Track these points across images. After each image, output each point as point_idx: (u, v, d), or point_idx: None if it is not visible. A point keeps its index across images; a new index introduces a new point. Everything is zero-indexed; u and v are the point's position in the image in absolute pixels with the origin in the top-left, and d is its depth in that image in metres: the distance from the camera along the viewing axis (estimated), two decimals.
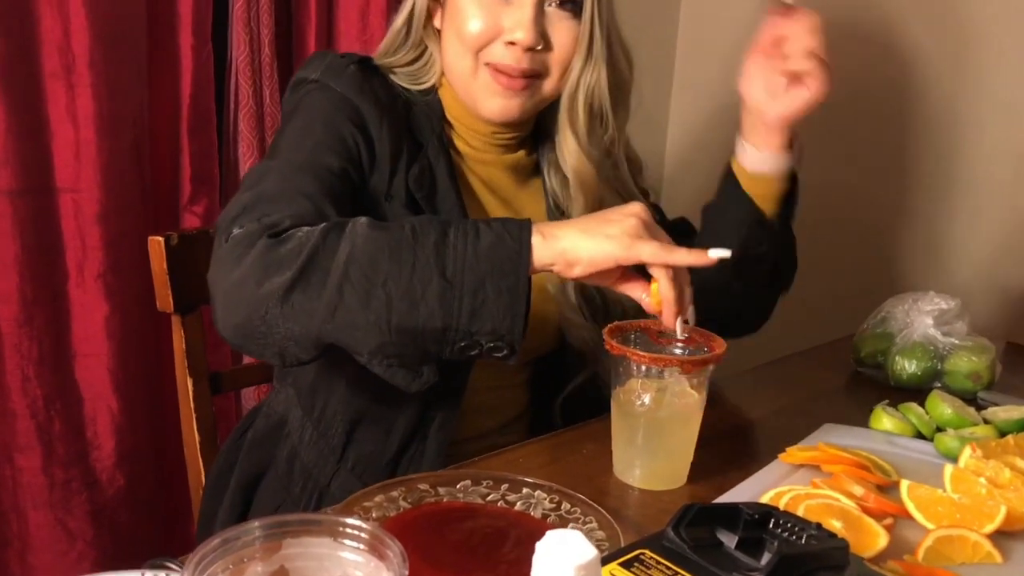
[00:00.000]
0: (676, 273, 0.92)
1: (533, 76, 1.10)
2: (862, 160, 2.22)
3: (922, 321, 1.31)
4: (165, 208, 1.62)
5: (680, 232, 1.22)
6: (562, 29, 1.10)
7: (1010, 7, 1.91)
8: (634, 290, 0.95)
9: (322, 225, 0.89)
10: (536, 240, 0.88)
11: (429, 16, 1.15)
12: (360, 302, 0.86)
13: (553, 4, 1.09)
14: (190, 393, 1.24)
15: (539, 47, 1.08)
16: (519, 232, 0.89)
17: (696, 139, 2.52)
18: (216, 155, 1.66)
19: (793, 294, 2.33)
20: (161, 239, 1.20)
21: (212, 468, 1.21)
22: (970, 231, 2.07)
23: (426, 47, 1.16)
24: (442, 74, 1.15)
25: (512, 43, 1.07)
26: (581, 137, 1.14)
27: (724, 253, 0.92)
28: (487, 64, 1.09)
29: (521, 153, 1.19)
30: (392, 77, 1.15)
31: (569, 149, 1.15)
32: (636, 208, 0.92)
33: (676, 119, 2.55)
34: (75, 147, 1.46)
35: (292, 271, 0.86)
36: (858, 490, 0.93)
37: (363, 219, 0.90)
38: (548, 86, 1.12)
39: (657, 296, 0.93)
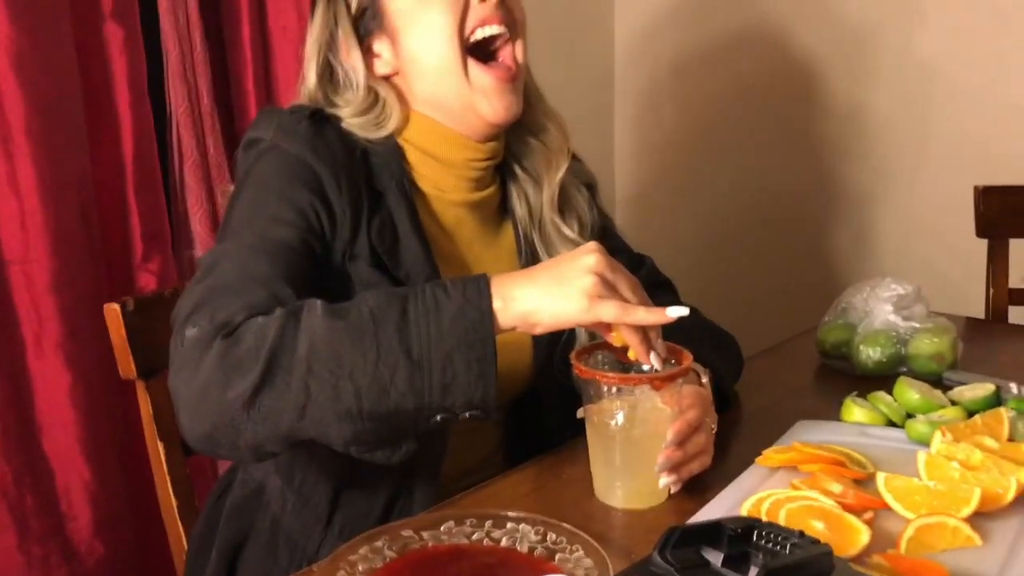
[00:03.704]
0: None
1: (515, 64, 1.11)
2: (801, 164, 2.28)
3: (881, 308, 1.32)
4: (119, 269, 1.61)
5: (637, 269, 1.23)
6: None
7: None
8: (596, 328, 0.95)
9: (276, 314, 0.86)
10: (497, 305, 0.88)
11: (368, 69, 1.12)
12: (328, 397, 0.84)
13: None
14: (163, 458, 1.22)
15: None
16: (479, 299, 0.87)
17: (646, 152, 2.54)
18: (165, 210, 1.65)
19: (751, 294, 2.38)
20: (117, 306, 1.18)
21: (193, 534, 1.19)
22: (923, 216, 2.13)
23: (377, 94, 1.11)
24: (406, 116, 1.12)
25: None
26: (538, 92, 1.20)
27: (682, 311, 0.91)
28: (474, 60, 1.08)
29: (491, 190, 1.17)
30: (346, 126, 1.10)
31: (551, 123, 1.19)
32: (592, 261, 0.89)
33: (620, 125, 2.58)
34: (20, 218, 1.45)
35: (255, 374, 0.83)
36: (836, 487, 0.93)
37: (318, 304, 0.87)
38: (523, 63, 1.13)
39: (621, 338, 0.94)
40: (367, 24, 1.12)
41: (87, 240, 1.52)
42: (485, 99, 1.09)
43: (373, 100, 1.11)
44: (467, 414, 0.88)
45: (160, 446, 1.22)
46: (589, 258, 0.90)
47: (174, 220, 1.68)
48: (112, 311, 1.18)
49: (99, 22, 1.54)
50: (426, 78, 1.10)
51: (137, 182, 1.59)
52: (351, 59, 1.11)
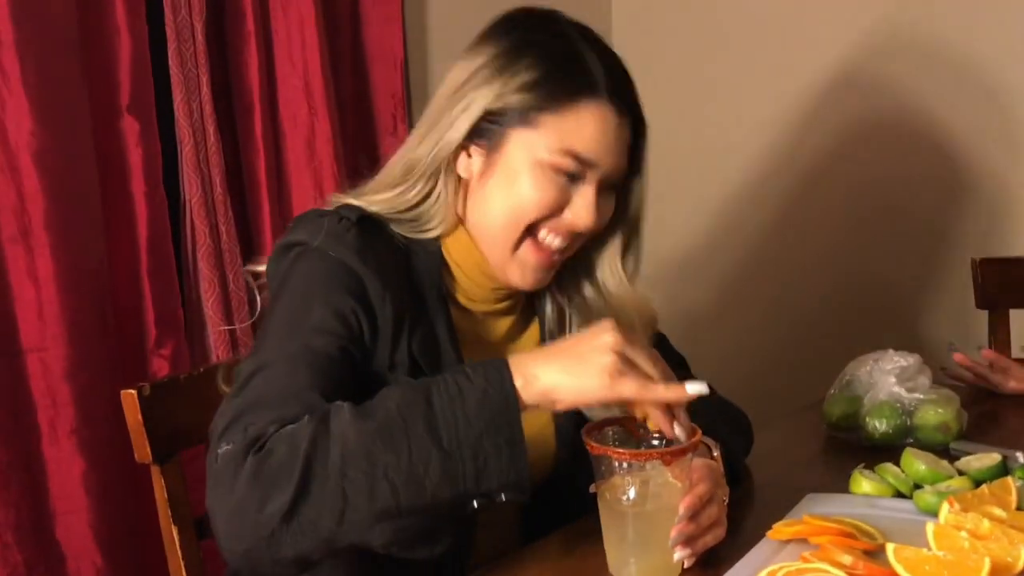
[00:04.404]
0: None
1: (560, 255, 1.11)
2: (804, 239, 2.31)
3: (886, 380, 1.34)
4: (132, 355, 1.63)
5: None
6: (606, 205, 1.10)
7: None
8: (619, 404, 0.96)
9: (304, 422, 0.86)
10: (519, 383, 0.88)
11: (450, 159, 1.08)
12: (365, 499, 0.84)
13: (606, 185, 1.09)
14: (176, 542, 1.22)
15: None
16: (501, 381, 0.88)
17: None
18: (178, 296, 1.68)
19: (757, 367, 2.38)
20: (134, 392, 1.19)
21: None
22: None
23: (433, 189, 1.09)
24: (454, 223, 1.10)
25: (571, 223, 1.07)
26: (623, 282, 1.16)
27: (702, 389, 0.93)
28: (531, 238, 1.08)
29: (517, 297, 1.18)
30: (392, 226, 1.09)
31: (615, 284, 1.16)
32: (609, 339, 0.90)
33: None
34: (37, 306, 1.47)
35: (292, 487, 0.83)
36: (847, 559, 0.94)
37: (345, 407, 0.88)
38: (578, 244, 1.12)
39: (643, 412, 0.96)
40: (483, 130, 1.07)
41: (102, 327, 1.54)
42: (519, 270, 1.09)
43: (428, 193, 1.09)
44: (503, 497, 0.89)
45: (174, 530, 1.22)
46: (607, 336, 0.91)
47: (187, 306, 1.70)
48: (129, 396, 1.20)
49: (116, 116, 1.59)
50: (480, 220, 1.09)
51: (151, 269, 1.63)
52: (455, 130, 1.06)
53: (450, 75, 1.10)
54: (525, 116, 1.05)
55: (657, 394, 0.91)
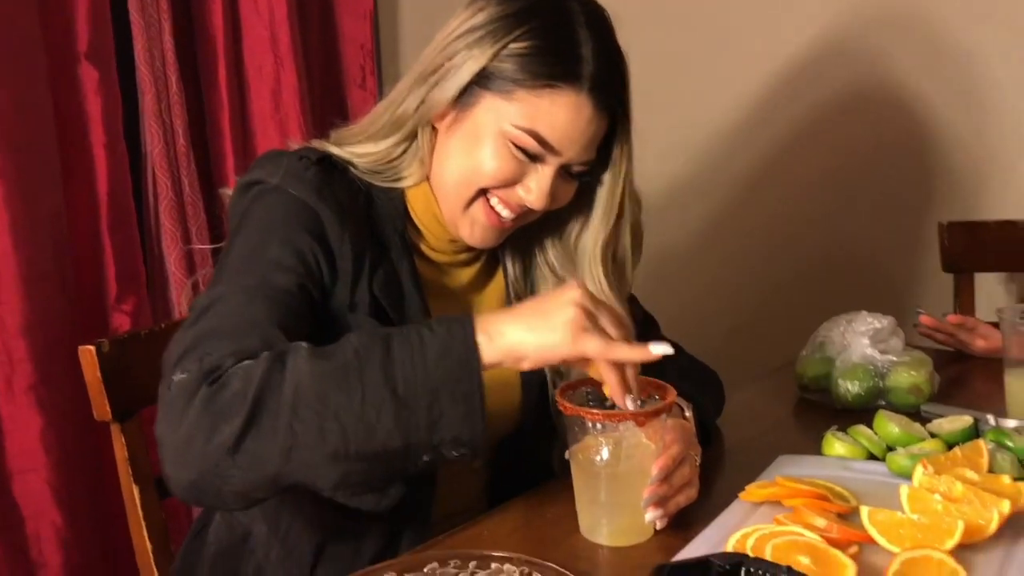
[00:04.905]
0: None
1: (511, 224, 1.08)
2: (781, 200, 2.30)
3: (859, 342, 1.33)
4: (92, 310, 1.59)
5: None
6: (565, 190, 1.08)
7: None
8: (578, 364, 0.94)
9: (262, 358, 0.85)
10: (482, 339, 0.87)
11: (434, 117, 1.06)
12: (315, 438, 0.83)
13: (568, 171, 1.06)
14: (137, 501, 1.19)
15: None
16: (464, 335, 0.87)
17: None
18: (140, 251, 1.64)
19: (731, 326, 2.37)
20: (92, 348, 1.16)
21: (171, 573, 1.17)
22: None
23: (412, 143, 1.08)
24: (423, 176, 1.08)
25: (522, 199, 1.05)
26: (604, 288, 1.13)
27: (666, 349, 0.91)
28: (484, 198, 1.06)
29: (483, 254, 1.17)
30: (353, 170, 1.07)
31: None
32: (575, 295, 0.89)
33: None
34: None
35: (240, 418, 0.82)
36: (820, 522, 0.94)
37: (303, 347, 0.86)
38: (532, 217, 1.10)
39: (598, 371, 0.94)
40: (468, 91, 1.04)
41: (60, 282, 1.51)
42: (469, 226, 1.08)
43: (407, 147, 1.08)
44: (455, 453, 0.87)
45: (135, 489, 1.20)
46: (572, 293, 0.90)
47: (149, 261, 1.67)
48: (87, 352, 1.17)
49: (74, 63, 1.54)
50: (437, 173, 1.08)
51: (111, 223, 1.59)
52: (444, 90, 1.04)
53: (448, 24, 1.06)
54: (503, 84, 1.03)
55: (619, 352, 0.90)
